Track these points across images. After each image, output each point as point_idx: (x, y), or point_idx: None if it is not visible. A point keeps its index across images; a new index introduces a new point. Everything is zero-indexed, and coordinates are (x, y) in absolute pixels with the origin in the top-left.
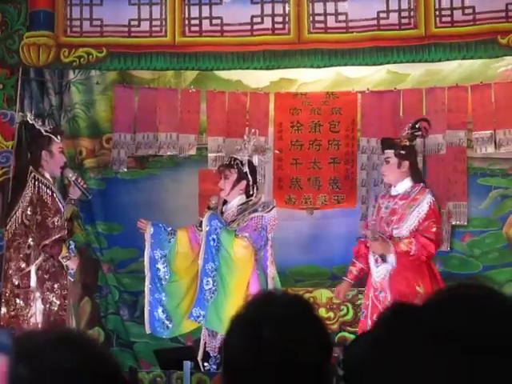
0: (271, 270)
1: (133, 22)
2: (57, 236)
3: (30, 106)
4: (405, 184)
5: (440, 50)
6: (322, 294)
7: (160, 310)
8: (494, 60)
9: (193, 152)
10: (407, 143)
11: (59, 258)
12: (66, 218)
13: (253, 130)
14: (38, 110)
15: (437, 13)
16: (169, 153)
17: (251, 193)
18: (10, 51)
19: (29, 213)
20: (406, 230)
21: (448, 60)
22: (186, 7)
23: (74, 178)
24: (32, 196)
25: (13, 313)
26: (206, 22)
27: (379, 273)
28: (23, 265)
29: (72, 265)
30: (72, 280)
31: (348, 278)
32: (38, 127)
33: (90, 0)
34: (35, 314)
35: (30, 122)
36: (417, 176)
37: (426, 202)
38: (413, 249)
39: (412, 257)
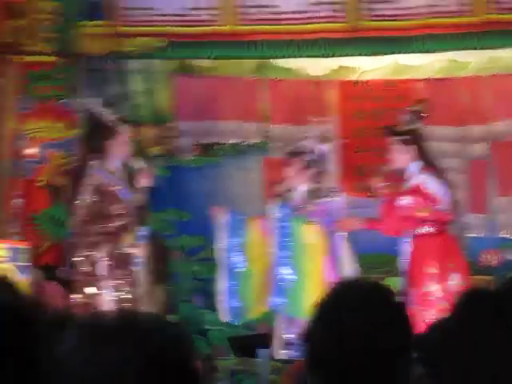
0: (345, 255)
1: (192, 12)
2: (117, 224)
3: (91, 95)
4: (412, 168)
5: (500, 37)
6: (393, 282)
7: (233, 297)
8: None
9: (256, 140)
10: (409, 127)
11: (124, 246)
12: (135, 206)
13: (317, 118)
14: (100, 99)
15: None
16: (231, 141)
17: (318, 180)
18: (72, 41)
19: (93, 200)
20: None
21: (508, 47)
22: None
23: (140, 167)
24: (94, 185)
25: (84, 300)
26: (263, 11)
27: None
28: (91, 252)
29: (140, 253)
30: (139, 269)
31: None
32: (104, 116)
33: None
34: (105, 302)
35: (97, 110)
36: (426, 158)
37: (416, 180)
38: (382, 198)
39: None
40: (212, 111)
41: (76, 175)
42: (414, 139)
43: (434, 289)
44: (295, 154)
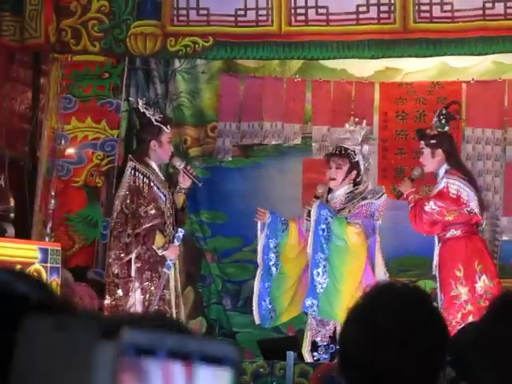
0: (378, 258)
1: (239, 12)
2: (148, 225)
3: (135, 94)
4: (442, 171)
5: None
6: (426, 284)
7: (267, 299)
8: None
9: (297, 141)
10: (436, 131)
11: (155, 247)
12: (178, 208)
13: (359, 120)
14: (144, 99)
15: None
16: (274, 142)
17: (359, 181)
18: (117, 40)
19: (128, 202)
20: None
21: None
22: None
23: (182, 167)
24: (130, 185)
25: (113, 302)
26: (311, 11)
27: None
28: (122, 254)
29: (171, 255)
30: (168, 272)
31: None
32: (148, 116)
33: None
34: (134, 305)
35: (141, 110)
36: (452, 161)
37: (442, 183)
38: (411, 204)
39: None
40: (255, 112)
41: (117, 175)
42: (440, 143)
43: (461, 292)
44: (341, 155)
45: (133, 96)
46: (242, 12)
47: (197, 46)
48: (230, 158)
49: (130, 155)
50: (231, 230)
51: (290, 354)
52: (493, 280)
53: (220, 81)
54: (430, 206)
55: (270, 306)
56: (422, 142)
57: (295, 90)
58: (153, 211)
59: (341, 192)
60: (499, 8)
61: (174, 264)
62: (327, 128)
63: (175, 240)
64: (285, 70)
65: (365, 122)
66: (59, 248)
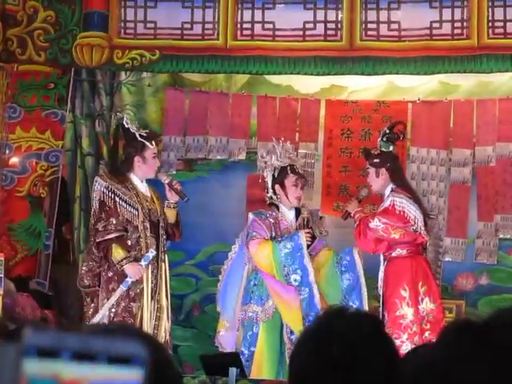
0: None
1: (186, 25)
2: (103, 238)
3: (80, 106)
4: (388, 190)
5: (492, 61)
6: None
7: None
8: None
9: (242, 157)
10: (379, 151)
11: (114, 261)
12: (171, 222)
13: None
14: (89, 111)
15: (490, 24)
16: (218, 157)
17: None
18: (63, 51)
19: (96, 216)
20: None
21: (500, 71)
22: (239, 11)
23: (167, 181)
24: (95, 200)
25: (85, 312)
26: (258, 26)
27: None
28: (94, 266)
29: (130, 273)
30: (124, 288)
31: None
32: (132, 131)
33: (145, 2)
34: (99, 314)
35: (126, 125)
36: (397, 180)
37: (388, 201)
38: (358, 221)
39: (356, 228)
40: (200, 126)
41: (60, 186)
42: (384, 162)
43: (407, 312)
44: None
45: (78, 107)
46: (189, 25)
47: (143, 58)
48: (174, 172)
49: (100, 170)
50: (174, 243)
51: (233, 371)
52: (435, 302)
53: (166, 94)
54: (375, 223)
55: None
56: (367, 163)
57: (241, 105)
58: (111, 226)
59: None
60: (446, 28)
61: (161, 276)
62: (272, 144)
63: (142, 259)
64: (231, 84)
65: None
66: (2, 258)
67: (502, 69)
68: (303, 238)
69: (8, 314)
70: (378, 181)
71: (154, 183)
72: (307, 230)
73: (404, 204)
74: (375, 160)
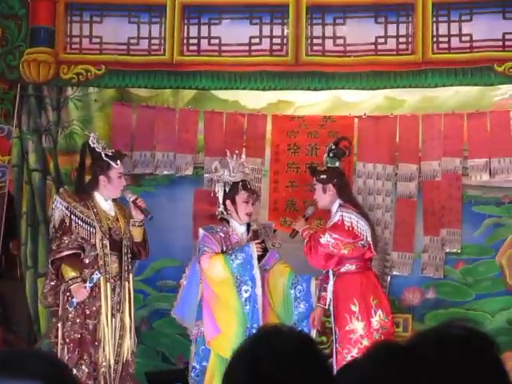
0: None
1: (132, 40)
2: (54, 257)
3: (27, 121)
4: (335, 206)
5: (437, 76)
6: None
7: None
8: (490, 88)
9: (189, 172)
10: (325, 167)
11: (65, 279)
12: (137, 241)
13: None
14: (36, 126)
15: (434, 39)
16: (165, 172)
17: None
18: (10, 67)
19: (53, 233)
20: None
21: (444, 86)
22: (185, 26)
23: (132, 199)
24: (52, 218)
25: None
26: (204, 42)
27: (328, 297)
28: (55, 284)
29: (75, 293)
30: (70, 308)
31: (321, 304)
32: (98, 150)
33: (90, 17)
34: (59, 333)
35: (92, 144)
36: (344, 196)
37: (336, 217)
38: (307, 238)
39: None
40: (147, 141)
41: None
42: (330, 178)
43: (357, 326)
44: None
45: (24, 122)
46: (135, 41)
47: (89, 73)
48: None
49: (60, 189)
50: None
51: None
52: (388, 315)
53: (112, 109)
54: (326, 238)
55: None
56: (314, 179)
57: (188, 121)
58: (63, 245)
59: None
60: (391, 43)
61: (124, 295)
62: (219, 159)
63: (88, 281)
64: (178, 99)
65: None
66: None
67: (446, 83)
68: (254, 248)
69: None
70: (325, 197)
71: (125, 201)
72: (258, 241)
73: (353, 219)
74: (322, 176)
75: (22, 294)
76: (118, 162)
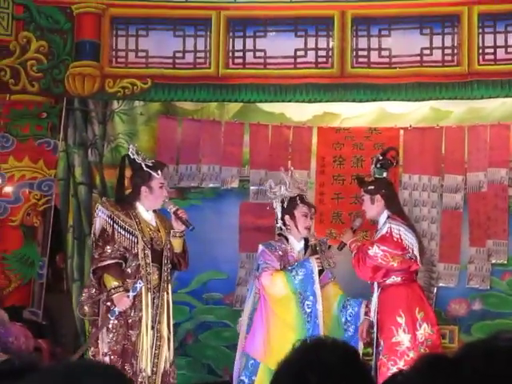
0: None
1: (177, 54)
2: (96, 266)
3: (73, 135)
4: (383, 217)
5: (482, 88)
6: None
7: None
8: None
9: (235, 185)
10: (373, 178)
11: (107, 289)
12: (177, 252)
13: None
14: (82, 140)
15: (480, 51)
16: (211, 185)
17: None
18: (56, 81)
19: (94, 244)
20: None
21: (490, 97)
22: (231, 39)
23: (173, 210)
24: (95, 228)
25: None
26: (249, 55)
27: (372, 309)
28: (93, 293)
29: (117, 303)
30: (111, 318)
31: (367, 316)
32: (138, 161)
33: (136, 31)
34: (101, 342)
35: (132, 156)
36: (392, 206)
37: (385, 228)
38: (355, 250)
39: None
40: (192, 154)
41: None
42: (378, 189)
43: (404, 338)
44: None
45: (70, 136)
46: (180, 54)
47: (135, 87)
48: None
49: (103, 198)
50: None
51: None
52: (433, 327)
53: (158, 123)
54: (374, 250)
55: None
56: (362, 190)
57: (233, 133)
58: (106, 254)
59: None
60: (437, 55)
61: (162, 305)
62: (265, 172)
63: (130, 290)
64: (223, 112)
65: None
66: None
67: (492, 95)
68: (314, 263)
69: (1, 344)
70: (373, 208)
71: (166, 213)
72: (317, 256)
73: (401, 231)
74: (370, 187)
75: (68, 307)
76: (159, 171)
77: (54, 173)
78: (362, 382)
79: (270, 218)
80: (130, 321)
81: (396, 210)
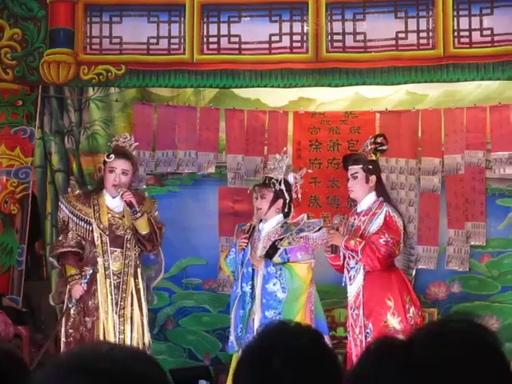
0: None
1: (152, 40)
2: (52, 254)
3: (49, 122)
4: (369, 199)
5: (458, 71)
6: (341, 314)
7: (240, 326)
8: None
9: (212, 170)
10: (373, 157)
11: (66, 278)
12: (142, 233)
13: (285, 149)
14: (58, 127)
15: (455, 34)
16: (188, 170)
17: (287, 211)
18: (30, 68)
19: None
20: None
21: (466, 81)
22: (205, 25)
23: (121, 194)
24: (58, 219)
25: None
26: (224, 40)
27: (351, 291)
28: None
29: (73, 291)
30: (70, 306)
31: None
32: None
33: (110, 18)
34: (62, 330)
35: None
36: (381, 191)
37: (382, 215)
38: (359, 248)
39: (359, 259)
40: (168, 140)
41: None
42: (375, 169)
43: (393, 322)
44: (265, 185)
45: (46, 123)
46: (155, 40)
47: (109, 74)
48: (145, 187)
49: (69, 189)
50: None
51: (202, 383)
52: (419, 311)
53: (133, 109)
54: (385, 238)
55: (240, 334)
56: (357, 167)
57: (209, 119)
58: (58, 243)
59: (272, 223)
60: (412, 38)
61: (127, 289)
62: (242, 156)
63: (83, 277)
64: (199, 99)
65: (279, 151)
66: None
67: (468, 78)
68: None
69: None
70: (366, 187)
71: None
72: (243, 237)
73: (398, 217)
74: (369, 166)
75: (48, 294)
76: (112, 156)
77: (30, 160)
78: (327, 365)
79: (247, 203)
80: (86, 308)
81: (383, 193)
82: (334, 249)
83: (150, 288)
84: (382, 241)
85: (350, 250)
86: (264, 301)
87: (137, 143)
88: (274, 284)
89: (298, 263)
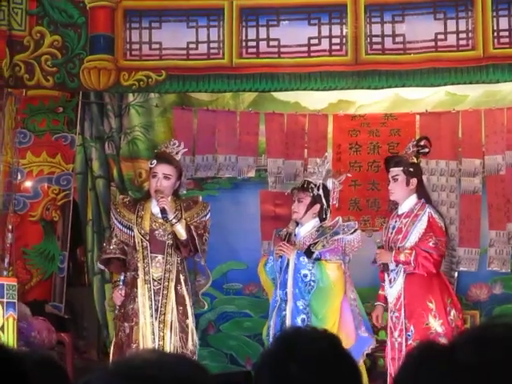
0: (351, 292)
1: (191, 45)
2: (99, 260)
3: (90, 128)
4: (410, 201)
5: (498, 71)
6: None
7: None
8: None
9: (252, 174)
10: (415, 160)
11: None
12: (182, 239)
13: (326, 154)
14: (98, 133)
15: (495, 34)
16: (228, 175)
17: (324, 216)
18: (71, 75)
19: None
20: (409, 246)
21: (506, 81)
22: (244, 29)
23: (157, 199)
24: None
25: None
26: (263, 44)
27: (391, 294)
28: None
29: (114, 297)
30: (116, 313)
31: (380, 302)
32: None
33: (149, 24)
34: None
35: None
36: (423, 193)
37: (425, 217)
38: (411, 259)
39: (414, 269)
40: (208, 145)
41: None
42: (416, 172)
43: (435, 324)
44: (303, 189)
45: (87, 130)
46: (194, 45)
47: (150, 79)
48: (185, 192)
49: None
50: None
51: None
52: (459, 314)
53: (173, 114)
54: (434, 241)
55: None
56: (397, 169)
57: (248, 123)
58: (104, 249)
59: (308, 227)
60: (451, 39)
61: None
62: (282, 160)
63: (120, 282)
64: (238, 103)
65: (319, 154)
66: (15, 283)
67: (508, 78)
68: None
69: (24, 338)
70: (407, 190)
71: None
72: (279, 244)
73: (438, 218)
74: (410, 168)
75: (90, 300)
76: (154, 161)
77: (71, 167)
78: (344, 369)
79: (288, 207)
80: (124, 314)
81: (424, 196)
82: (386, 268)
83: (198, 294)
84: (431, 244)
85: (402, 263)
86: (296, 290)
87: (186, 149)
88: (305, 275)
89: (327, 262)
